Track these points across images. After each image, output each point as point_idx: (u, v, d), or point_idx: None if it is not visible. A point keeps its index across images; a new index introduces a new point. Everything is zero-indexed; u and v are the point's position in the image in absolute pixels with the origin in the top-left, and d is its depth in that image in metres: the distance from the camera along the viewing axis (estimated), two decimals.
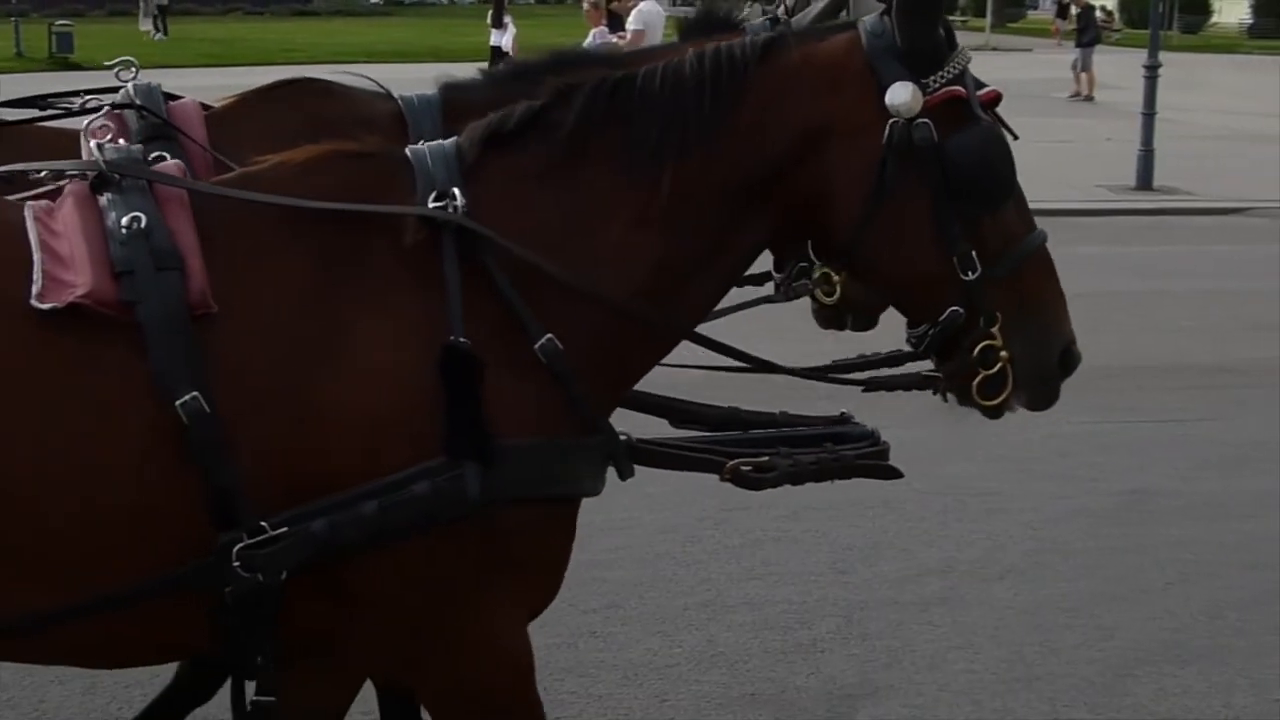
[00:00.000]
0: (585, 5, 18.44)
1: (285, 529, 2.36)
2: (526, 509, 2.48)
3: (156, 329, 2.33)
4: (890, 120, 2.54)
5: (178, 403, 2.29)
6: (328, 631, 2.52)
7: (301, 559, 2.37)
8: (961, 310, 2.61)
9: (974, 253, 2.59)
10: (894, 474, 2.99)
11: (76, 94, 3.69)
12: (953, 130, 2.57)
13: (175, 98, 3.58)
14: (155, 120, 3.40)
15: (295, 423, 2.37)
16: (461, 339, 2.41)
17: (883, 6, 2.68)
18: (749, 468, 2.82)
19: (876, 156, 2.55)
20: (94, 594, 2.36)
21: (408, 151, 2.62)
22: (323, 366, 2.39)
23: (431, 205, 2.50)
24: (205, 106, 3.64)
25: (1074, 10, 30.70)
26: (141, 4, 42.13)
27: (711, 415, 3.10)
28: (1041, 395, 2.73)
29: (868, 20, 2.64)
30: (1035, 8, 65.22)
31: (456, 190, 2.50)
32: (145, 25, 41.25)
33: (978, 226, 2.60)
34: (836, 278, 3.35)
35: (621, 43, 16.89)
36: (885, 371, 2.98)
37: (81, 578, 2.36)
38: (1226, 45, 49.05)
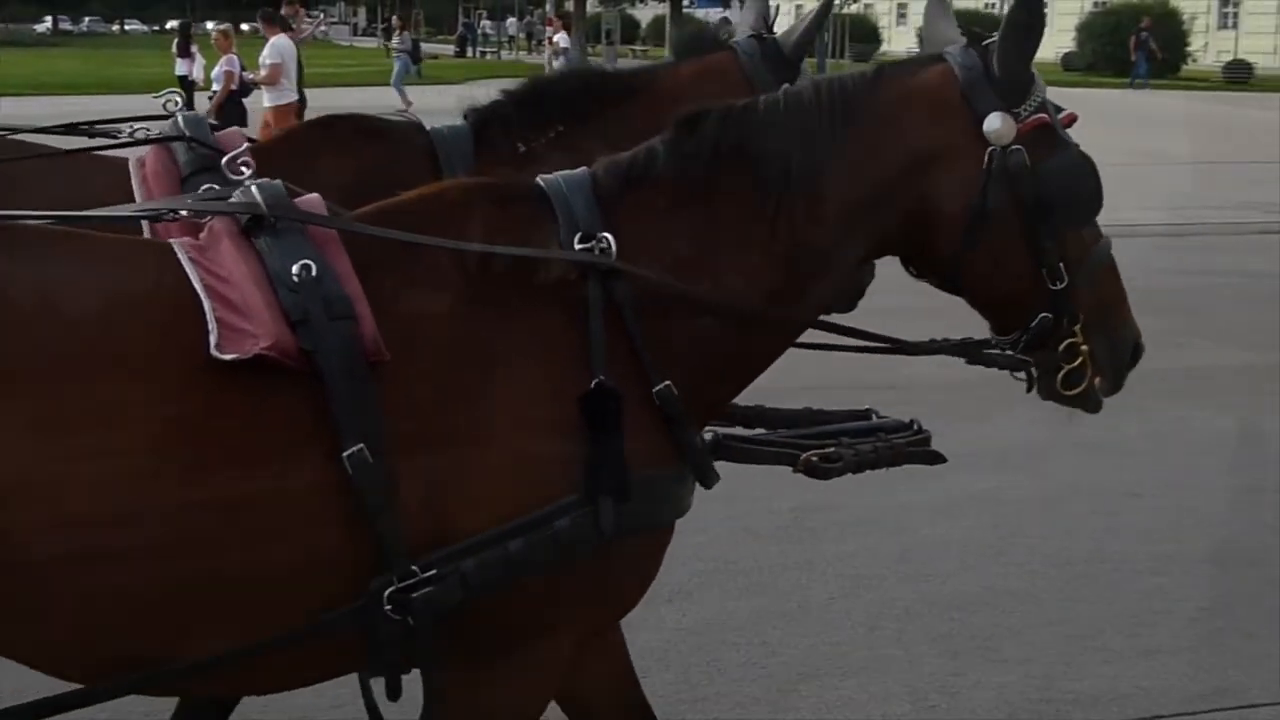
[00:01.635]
0: (214, 34, 18.48)
1: (434, 571, 2.38)
2: (638, 537, 2.57)
3: (337, 377, 2.32)
4: (989, 148, 2.74)
5: (350, 451, 2.30)
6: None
7: (455, 601, 2.39)
8: (1050, 316, 2.83)
9: (1062, 264, 2.80)
10: (939, 459, 3.18)
11: (121, 120, 3.68)
12: (1044, 154, 2.79)
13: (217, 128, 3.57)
14: (204, 152, 3.35)
15: (449, 467, 2.40)
16: (604, 378, 2.49)
17: (950, 28, 2.94)
18: (817, 458, 3.01)
19: (977, 182, 2.75)
20: (263, 634, 2.37)
21: (541, 182, 2.68)
22: (474, 408, 2.44)
23: (579, 247, 2.56)
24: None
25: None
26: None
27: (738, 412, 3.22)
28: (1116, 384, 2.97)
29: (955, 53, 2.83)
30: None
31: (609, 237, 2.57)
32: None
33: (1064, 240, 2.81)
34: None
35: (258, 76, 17.10)
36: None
37: (254, 619, 2.37)
38: None
